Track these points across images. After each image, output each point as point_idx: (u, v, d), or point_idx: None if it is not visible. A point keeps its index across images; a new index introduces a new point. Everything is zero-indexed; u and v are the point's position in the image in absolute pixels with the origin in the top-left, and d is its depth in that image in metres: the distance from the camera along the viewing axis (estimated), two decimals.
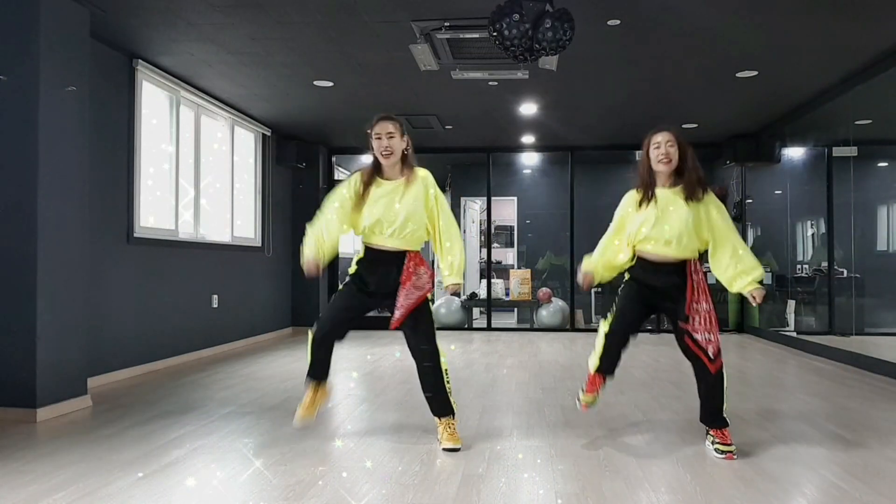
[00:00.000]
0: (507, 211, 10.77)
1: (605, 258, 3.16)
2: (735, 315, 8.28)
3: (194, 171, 5.93)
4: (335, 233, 3.07)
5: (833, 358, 5.81)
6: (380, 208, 2.99)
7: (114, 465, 2.78)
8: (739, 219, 8.28)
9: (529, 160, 9.71)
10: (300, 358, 6.00)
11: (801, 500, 2.42)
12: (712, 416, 2.97)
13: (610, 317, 3.10)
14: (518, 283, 8.95)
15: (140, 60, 5.02)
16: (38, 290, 3.60)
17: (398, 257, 3.02)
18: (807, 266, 7.24)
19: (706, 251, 3.08)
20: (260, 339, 7.25)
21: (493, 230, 9.46)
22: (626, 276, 3.14)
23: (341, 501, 2.37)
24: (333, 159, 8.81)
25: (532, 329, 8.66)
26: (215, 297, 6.28)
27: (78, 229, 3.92)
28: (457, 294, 2.70)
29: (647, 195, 2.98)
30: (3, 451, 2.99)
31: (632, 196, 3.10)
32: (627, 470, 2.72)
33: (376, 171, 3.06)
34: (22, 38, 3.62)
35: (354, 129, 7.57)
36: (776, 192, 7.92)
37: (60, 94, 3.76)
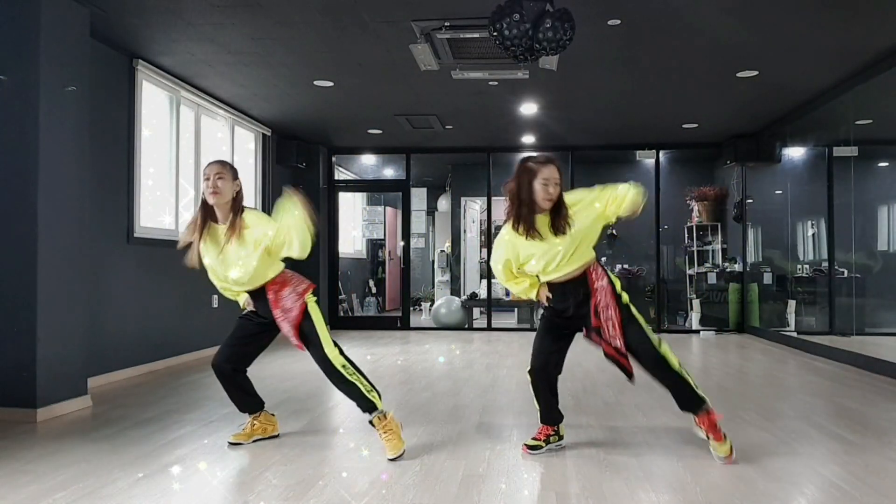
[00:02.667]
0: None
1: (522, 288, 3.06)
2: (735, 315, 8.28)
3: (194, 171, 5.93)
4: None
5: (833, 358, 5.81)
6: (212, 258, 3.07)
7: (114, 465, 2.78)
8: (740, 219, 8.28)
9: None
10: (300, 358, 5.99)
11: (801, 500, 2.42)
12: (686, 401, 2.90)
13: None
14: None
15: (140, 60, 5.02)
16: (38, 290, 3.60)
17: (260, 291, 3.05)
18: (807, 266, 7.24)
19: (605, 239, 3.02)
20: None
21: (493, 230, 9.45)
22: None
23: (341, 501, 2.37)
24: (333, 159, 8.81)
25: (532, 329, 8.63)
26: (215, 297, 6.27)
27: (78, 229, 3.92)
28: None
29: (529, 232, 2.83)
30: (4, 451, 2.99)
31: (510, 232, 2.90)
32: (627, 470, 2.72)
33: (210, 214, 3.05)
34: (22, 37, 3.62)
35: (354, 129, 7.58)
36: (776, 192, 7.92)
37: (60, 94, 3.76)
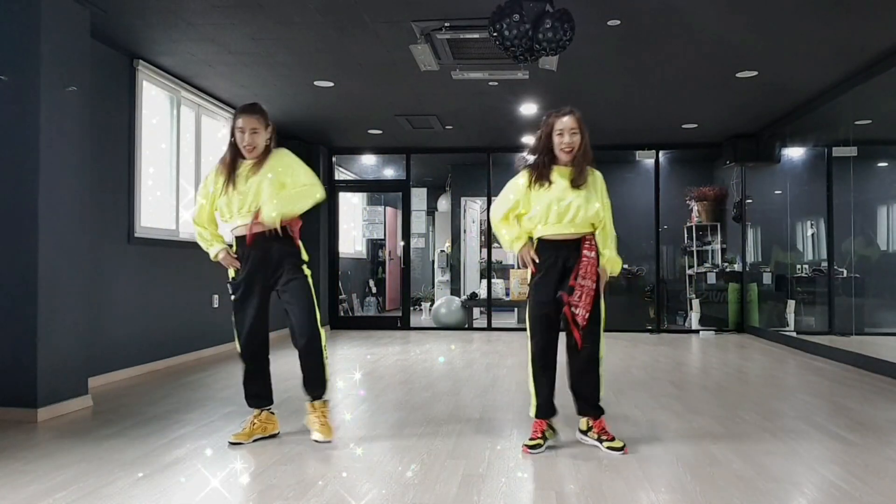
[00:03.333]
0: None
1: (512, 236, 3.08)
2: (735, 315, 8.28)
3: (195, 171, 5.93)
4: None
5: (833, 358, 5.81)
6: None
7: (114, 465, 2.78)
8: (739, 219, 8.28)
9: (530, 160, 9.69)
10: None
11: (801, 500, 2.42)
12: (594, 406, 2.97)
13: (529, 343, 3.03)
14: (518, 283, 8.95)
15: (141, 60, 5.02)
16: (38, 290, 3.60)
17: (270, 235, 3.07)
18: (807, 266, 7.24)
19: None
20: None
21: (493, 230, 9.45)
22: (529, 278, 3.07)
23: (341, 501, 2.37)
24: (333, 159, 8.82)
25: None
26: (216, 296, 6.27)
27: (78, 229, 3.92)
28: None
29: (542, 180, 2.90)
30: (4, 451, 2.99)
31: (525, 176, 2.99)
32: (627, 470, 2.72)
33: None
34: (23, 38, 3.62)
35: (354, 129, 7.58)
36: (776, 192, 7.92)
37: (61, 94, 3.76)
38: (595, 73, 5.39)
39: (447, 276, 10.81)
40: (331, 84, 5.71)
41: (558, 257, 2.94)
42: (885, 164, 6.69)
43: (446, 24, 4.29)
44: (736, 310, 8.26)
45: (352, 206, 10.91)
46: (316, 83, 5.69)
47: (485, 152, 8.63)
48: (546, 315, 2.98)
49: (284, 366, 5.50)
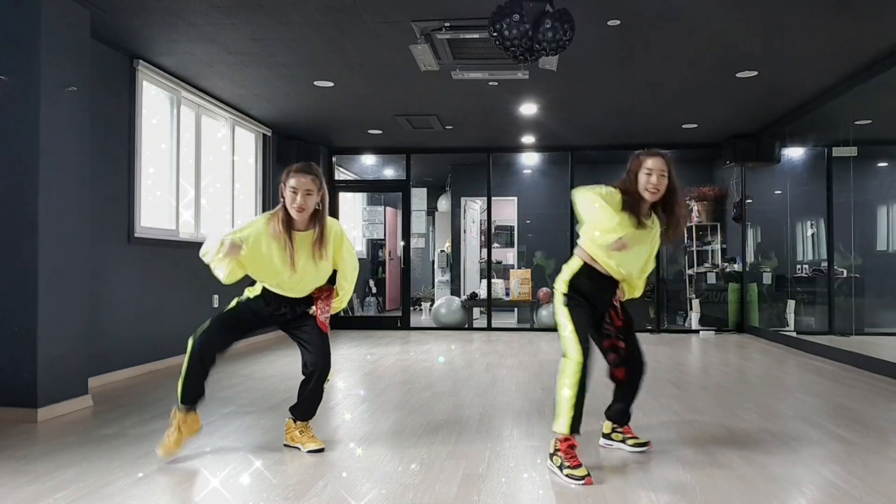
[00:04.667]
0: (507, 211, 10.77)
1: (611, 223, 2.75)
2: (735, 315, 8.28)
3: (195, 171, 5.93)
4: None
5: (833, 358, 5.81)
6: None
7: (114, 465, 2.78)
8: (739, 219, 8.28)
9: (529, 160, 9.71)
10: (300, 358, 5.99)
11: (801, 500, 2.42)
12: (628, 415, 3.05)
13: (574, 357, 2.69)
14: (518, 283, 8.95)
15: (140, 61, 5.02)
16: (38, 290, 3.60)
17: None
18: (807, 266, 7.24)
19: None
20: (260, 340, 7.25)
21: (493, 230, 9.46)
22: (563, 295, 2.84)
23: (341, 501, 2.37)
24: (333, 159, 8.82)
25: (532, 329, 8.66)
26: (216, 296, 6.28)
27: (78, 229, 3.92)
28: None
29: (638, 224, 2.77)
30: (4, 451, 2.99)
31: (615, 197, 2.79)
32: (627, 470, 2.72)
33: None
34: (22, 38, 3.62)
35: (354, 129, 7.58)
36: (776, 192, 7.92)
37: (61, 94, 3.76)
38: (595, 73, 5.39)
39: (447, 276, 10.81)
40: (331, 84, 5.71)
41: (605, 286, 2.91)
42: (885, 164, 6.70)
43: (446, 24, 4.29)
44: (736, 310, 8.26)
45: (352, 206, 10.91)
46: (316, 83, 5.69)
47: (485, 152, 8.63)
48: (589, 313, 2.89)
49: (285, 366, 5.51)
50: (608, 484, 2.55)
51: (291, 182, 2.86)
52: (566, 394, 2.64)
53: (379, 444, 3.12)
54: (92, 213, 4.21)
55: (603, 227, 2.68)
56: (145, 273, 5.18)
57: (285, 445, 3.07)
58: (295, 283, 2.94)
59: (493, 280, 8.84)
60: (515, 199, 10.53)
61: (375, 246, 11.76)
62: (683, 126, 7.32)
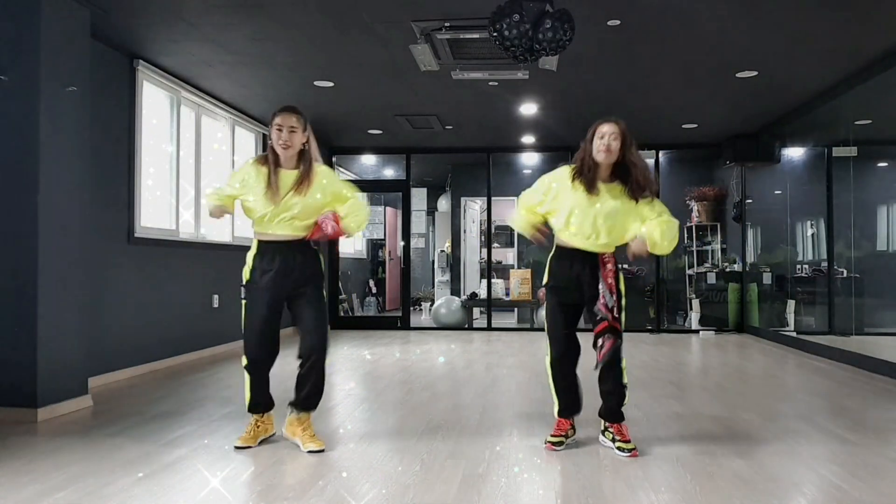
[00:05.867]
0: (507, 211, 10.76)
1: (530, 220, 3.20)
2: (735, 315, 8.28)
3: (195, 171, 5.93)
4: None
5: (833, 358, 5.81)
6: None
7: (114, 464, 2.78)
8: (739, 219, 8.28)
9: (529, 160, 9.70)
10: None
11: (801, 500, 2.42)
12: (615, 412, 3.00)
13: (547, 346, 3.07)
14: (518, 283, 8.95)
15: (140, 61, 5.02)
16: (38, 290, 3.60)
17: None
18: (807, 266, 7.24)
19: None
20: None
21: (493, 230, 9.46)
22: (545, 278, 3.10)
23: (341, 501, 2.37)
24: (334, 159, 8.81)
25: (532, 329, 8.65)
26: (216, 296, 6.28)
27: (78, 229, 3.92)
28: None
29: (589, 187, 2.95)
30: (4, 451, 2.99)
31: (566, 172, 3.07)
32: (627, 470, 2.72)
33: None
34: (22, 38, 3.62)
35: (354, 129, 7.58)
36: (776, 192, 7.92)
37: (61, 94, 3.76)
38: (595, 73, 5.39)
39: (447, 276, 10.81)
40: (331, 84, 5.71)
41: (574, 262, 3.00)
42: (886, 164, 6.69)
43: (446, 24, 4.29)
44: (736, 310, 8.26)
45: None
46: (316, 83, 5.69)
47: (485, 152, 8.63)
48: (564, 310, 3.03)
49: (285, 366, 5.50)
50: (608, 484, 2.55)
51: (277, 120, 3.07)
52: (550, 384, 3.09)
53: (379, 444, 3.13)
54: (92, 213, 4.20)
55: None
56: (145, 273, 5.18)
57: (283, 437, 3.09)
58: (279, 216, 2.98)
59: (493, 280, 8.84)
60: (515, 199, 10.50)
61: (375, 246, 11.76)
62: (683, 126, 7.32)
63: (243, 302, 3.10)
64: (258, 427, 3.14)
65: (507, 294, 9.09)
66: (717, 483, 2.55)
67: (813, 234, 7.28)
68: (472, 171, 10.07)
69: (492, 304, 8.78)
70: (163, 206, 5.50)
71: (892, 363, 4.94)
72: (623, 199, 2.94)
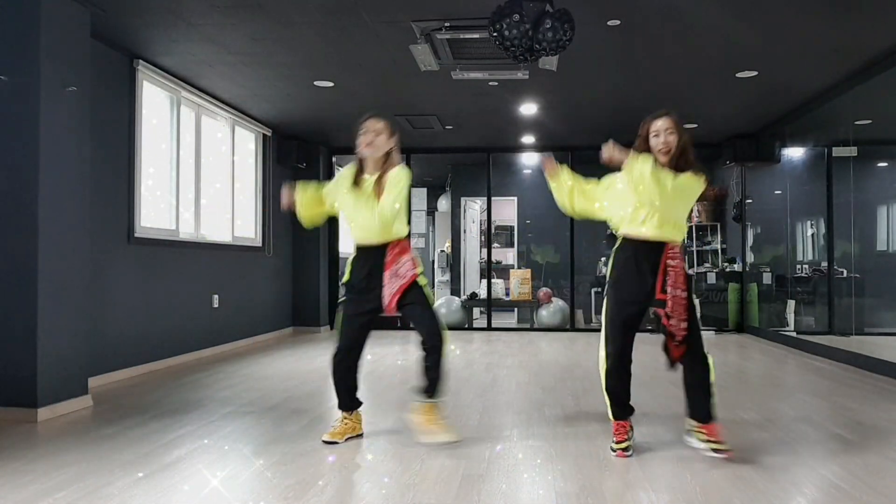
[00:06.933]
0: (507, 211, 10.77)
1: (579, 193, 3.15)
2: (735, 315, 8.28)
3: (195, 171, 5.93)
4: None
5: (833, 358, 5.81)
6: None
7: (114, 464, 2.78)
8: (739, 219, 8.28)
9: (529, 160, 9.71)
10: (301, 358, 6.00)
11: (801, 500, 2.42)
12: (705, 411, 2.93)
13: (603, 351, 2.99)
14: (518, 283, 8.95)
15: (141, 61, 5.02)
16: (38, 290, 3.60)
17: (381, 249, 3.09)
18: (807, 266, 7.24)
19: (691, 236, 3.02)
20: (260, 339, 7.25)
21: (493, 230, 9.46)
22: (608, 272, 3.04)
23: (341, 501, 2.37)
24: (334, 159, 8.81)
25: (532, 329, 8.66)
26: (216, 296, 6.28)
27: (78, 229, 3.92)
28: None
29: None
30: (4, 451, 2.99)
31: (643, 159, 2.91)
32: (627, 470, 2.72)
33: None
34: (22, 38, 3.62)
35: (354, 129, 7.56)
36: (776, 192, 7.92)
37: (61, 94, 3.76)
38: (595, 73, 5.39)
39: (447, 276, 10.80)
40: (331, 84, 5.71)
41: (639, 256, 2.90)
42: (886, 164, 6.69)
43: (446, 24, 4.29)
44: (736, 310, 8.26)
45: None
46: (316, 83, 5.69)
47: (485, 152, 8.63)
48: (629, 316, 2.93)
49: (285, 366, 5.51)
50: (608, 484, 2.55)
51: (364, 125, 3.10)
52: (603, 385, 3.01)
53: (379, 444, 3.13)
54: (92, 213, 4.20)
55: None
56: (145, 273, 5.18)
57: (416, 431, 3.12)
58: (365, 221, 3.05)
59: (493, 280, 8.84)
60: (515, 199, 10.53)
61: None
62: (683, 126, 7.31)
63: (341, 300, 3.22)
64: (345, 423, 3.17)
65: (507, 294, 9.09)
66: (717, 483, 2.55)
67: (813, 234, 7.28)
68: (472, 171, 10.07)
69: (492, 304, 8.78)
70: (163, 206, 5.50)
71: (892, 363, 4.94)
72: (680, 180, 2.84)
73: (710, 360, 2.96)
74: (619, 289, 2.95)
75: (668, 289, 2.84)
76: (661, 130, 2.90)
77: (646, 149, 2.93)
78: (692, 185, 2.87)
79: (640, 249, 2.91)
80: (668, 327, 2.86)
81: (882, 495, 2.42)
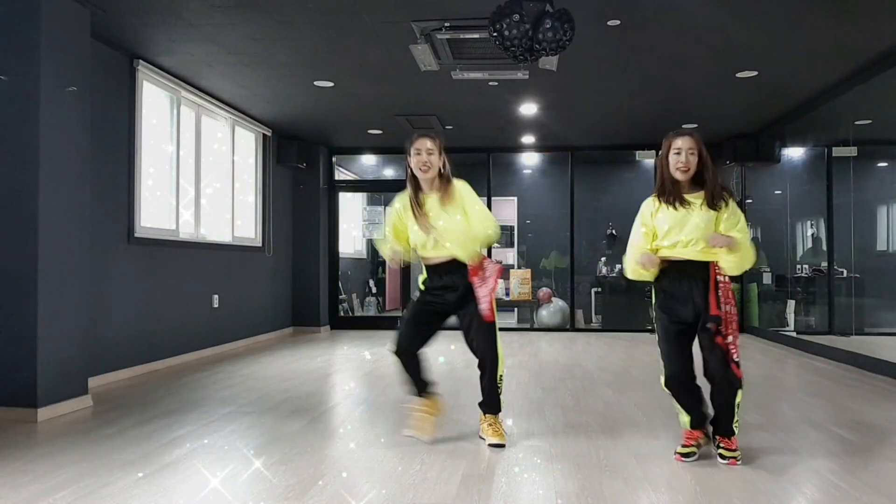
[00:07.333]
0: (507, 211, 10.77)
1: (646, 259, 2.99)
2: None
3: (195, 171, 5.93)
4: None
5: (833, 358, 5.81)
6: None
7: (114, 464, 2.78)
8: None
9: (529, 160, 9.71)
10: (300, 358, 6.00)
11: (801, 500, 2.42)
12: (725, 427, 2.87)
13: (662, 364, 2.93)
14: (518, 283, 8.95)
15: (140, 61, 5.02)
16: (38, 290, 3.60)
17: (461, 265, 3.11)
18: (807, 266, 7.24)
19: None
20: (260, 339, 7.25)
21: None
22: (653, 301, 2.98)
23: (341, 501, 2.37)
24: (333, 159, 8.81)
25: (532, 329, 8.66)
26: (216, 296, 6.28)
27: (78, 229, 3.92)
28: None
29: (673, 201, 2.89)
30: (4, 451, 2.99)
31: (651, 200, 3.00)
32: (627, 470, 2.72)
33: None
34: (22, 38, 3.62)
35: (354, 129, 7.58)
36: (776, 192, 7.92)
37: (61, 94, 3.76)
38: (595, 72, 5.39)
39: None
40: (331, 84, 5.71)
41: (683, 276, 2.87)
42: (886, 164, 6.70)
43: (446, 24, 4.29)
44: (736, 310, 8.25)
45: (352, 206, 10.91)
46: (316, 83, 5.69)
47: (485, 152, 8.63)
48: (678, 329, 2.88)
49: (285, 366, 5.51)
50: (608, 484, 2.55)
51: (415, 145, 3.18)
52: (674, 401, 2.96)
53: (379, 444, 3.13)
54: (92, 213, 4.21)
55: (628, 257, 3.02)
56: (145, 273, 5.19)
57: (479, 437, 3.18)
58: (433, 241, 3.07)
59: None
60: (515, 199, 10.52)
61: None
62: (683, 126, 7.32)
63: (414, 298, 3.24)
64: (426, 411, 3.21)
65: (508, 294, 9.09)
66: (717, 483, 2.55)
67: (813, 234, 7.28)
68: (472, 171, 10.06)
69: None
70: (163, 206, 5.50)
71: (893, 363, 4.94)
72: (706, 209, 2.87)
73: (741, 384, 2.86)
74: (666, 313, 2.91)
75: (722, 304, 2.79)
76: (682, 149, 2.91)
77: (665, 162, 2.96)
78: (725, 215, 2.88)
79: (685, 269, 2.87)
80: (721, 346, 2.78)
81: (882, 495, 2.42)
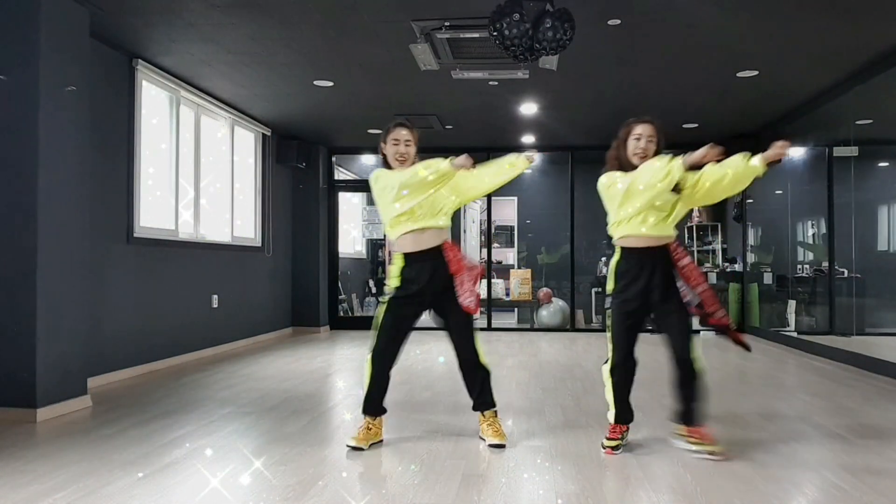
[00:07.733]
0: (507, 211, 10.77)
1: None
2: (735, 315, 8.27)
3: (194, 171, 5.93)
4: None
5: (833, 358, 5.81)
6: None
7: (114, 465, 2.78)
8: (740, 219, 8.27)
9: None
10: (300, 358, 6.00)
11: (801, 500, 2.42)
12: (695, 415, 2.96)
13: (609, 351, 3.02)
14: (518, 283, 8.94)
15: (140, 60, 5.02)
16: (38, 290, 3.60)
17: (436, 252, 3.05)
18: (807, 266, 7.23)
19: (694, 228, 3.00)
20: (260, 339, 7.25)
21: (493, 230, 9.46)
22: (611, 287, 3.02)
23: (341, 501, 2.37)
24: (333, 159, 8.81)
25: (532, 329, 8.65)
26: (215, 296, 6.28)
27: (78, 229, 3.92)
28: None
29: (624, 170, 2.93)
30: (4, 451, 2.99)
31: (604, 179, 3.01)
32: (627, 470, 2.72)
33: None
34: (22, 38, 3.62)
35: (354, 129, 7.57)
36: (776, 192, 7.91)
37: (60, 94, 3.75)
38: (595, 73, 5.38)
39: None
40: (331, 84, 5.71)
41: (643, 265, 2.91)
42: (886, 163, 6.69)
43: (446, 24, 4.29)
44: (736, 310, 8.25)
45: (352, 206, 10.91)
46: (316, 83, 5.68)
47: (485, 152, 8.60)
48: (630, 314, 2.96)
49: (285, 366, 5.51)
50: (608, 484, 2.55)
51: (393, 134, 3.06)
52: (607, 390, 3.03)
53: (379, 444, 3.12)
54: (92, 213, 4.20)
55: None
56: (145, 273, 5.18)
57: (479, 437, 3.17)
58: (407, 210, 2.97)
59: (493, 280, 8.83)
60: (515, 199, 10.53)
61: (375, 246, 11.74)
62: (683, 126, 7.32)
63: (383, 307, 3.11)
64: (370, 430, 3.10)
65: (508, 294, 9.09)
66: (717, 483, 2.55)
67: (814, 234, 7.27)
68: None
69: (492, 304, 8.78)
70: (162, 206, 5.50)
71: (893, 363, 4.94)
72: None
73: (700, 367, 3.00)
74: (619, 300, 2.98)
75: (692, 287, 2.89)
76: (642, 136, 2.93)
77: (623, 151, 2.96)
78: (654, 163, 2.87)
79: (645, 257, 2.90)
80: (717, 325, 2.91)
81: (882, 495, 2.42)
